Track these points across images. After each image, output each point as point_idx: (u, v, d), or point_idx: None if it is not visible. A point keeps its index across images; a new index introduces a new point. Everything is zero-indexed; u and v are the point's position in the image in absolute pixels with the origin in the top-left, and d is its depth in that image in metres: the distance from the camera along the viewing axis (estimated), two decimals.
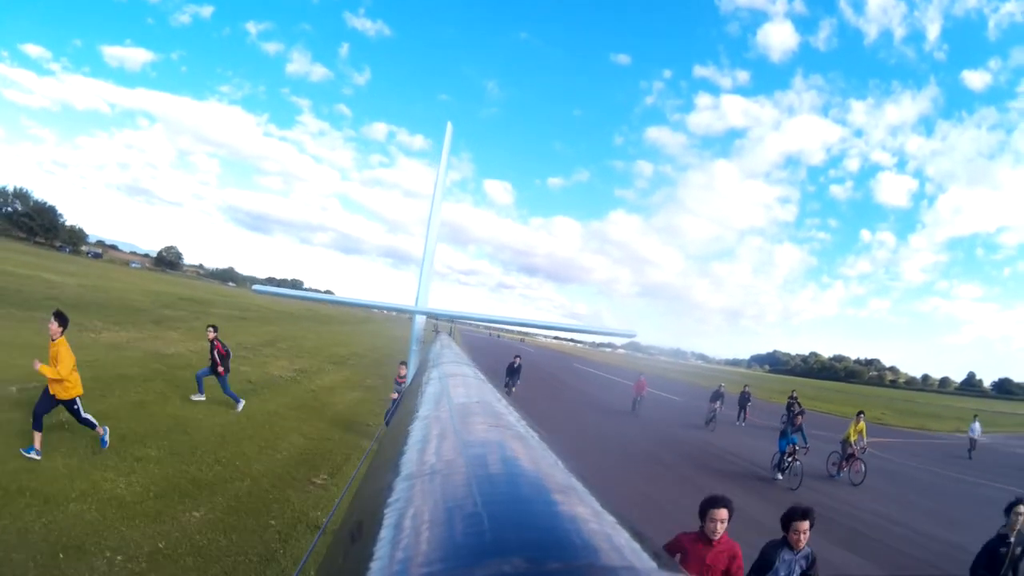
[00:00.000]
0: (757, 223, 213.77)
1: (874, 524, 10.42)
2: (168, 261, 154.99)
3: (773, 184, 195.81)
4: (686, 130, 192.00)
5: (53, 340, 7.18)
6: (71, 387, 7.32)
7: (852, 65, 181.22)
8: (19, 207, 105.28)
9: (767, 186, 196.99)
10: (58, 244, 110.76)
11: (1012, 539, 6.24)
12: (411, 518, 0.55)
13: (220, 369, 11.29)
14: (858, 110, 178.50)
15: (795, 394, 25.49)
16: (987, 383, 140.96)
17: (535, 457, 0.77)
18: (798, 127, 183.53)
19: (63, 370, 7.11)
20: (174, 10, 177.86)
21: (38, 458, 6.85)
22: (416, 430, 1.01)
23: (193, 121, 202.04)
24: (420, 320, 6.38)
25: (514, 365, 20.38)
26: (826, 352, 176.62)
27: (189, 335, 20.30)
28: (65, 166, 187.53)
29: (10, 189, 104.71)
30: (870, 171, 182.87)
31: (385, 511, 0.59)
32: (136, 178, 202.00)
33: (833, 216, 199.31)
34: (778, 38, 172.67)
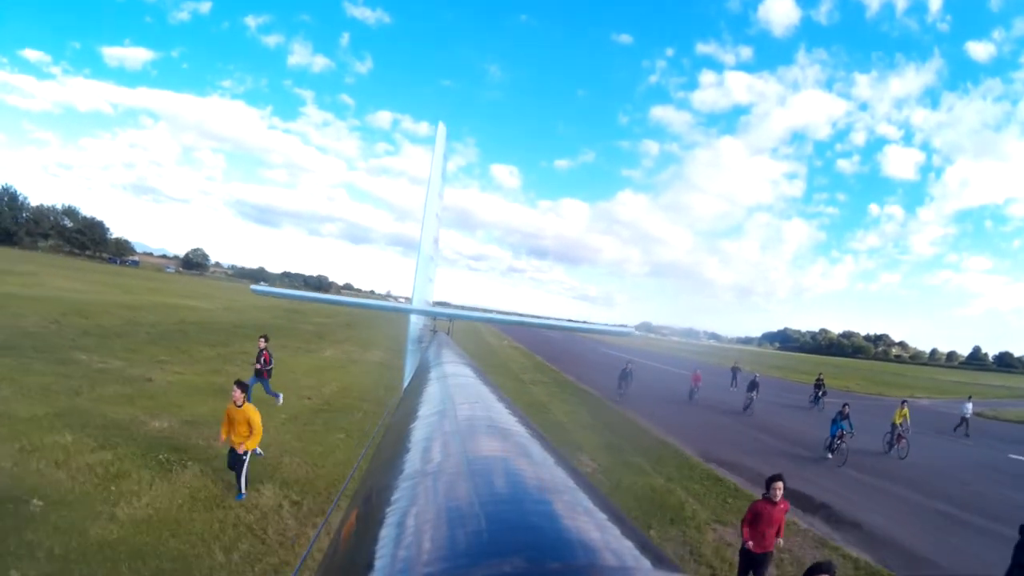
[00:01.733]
0: (765, 199, 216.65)
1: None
2: (195, 263, 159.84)
3: (780, 160, 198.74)
4: (691, 108, 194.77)
5: (239, 406, 7.71)
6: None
7: (855, 38, 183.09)
8: (69, 223, 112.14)
9: (774, 162, 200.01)
10: (107, 256, 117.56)
11: None
12: (411, 518, 0.56)
13: (265, 373, 13.03)
14: (863, 83, 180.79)
15: (821, 376, 29.70)
16: (992, 357, 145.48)
17: (536, 457, 0.78)
18: (803, 102, 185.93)
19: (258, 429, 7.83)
20: (172, 8, 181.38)
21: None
22: (416, 430, 1.02)
23: (196, 117, 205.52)
24: (417, 320, 6.48)
25: (626, 370, 23.19)
26: (836, 328, 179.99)
27: (357, 347, 26.70)
28: (70, 168, 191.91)
29: (59, 207, 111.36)
30: (876, 144, 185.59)
31: (385, 511, 0.60)
32: (142, 176, 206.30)
33: (841, 190, 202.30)
34: (780, 12, 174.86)
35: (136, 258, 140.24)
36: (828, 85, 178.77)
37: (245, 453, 7.77)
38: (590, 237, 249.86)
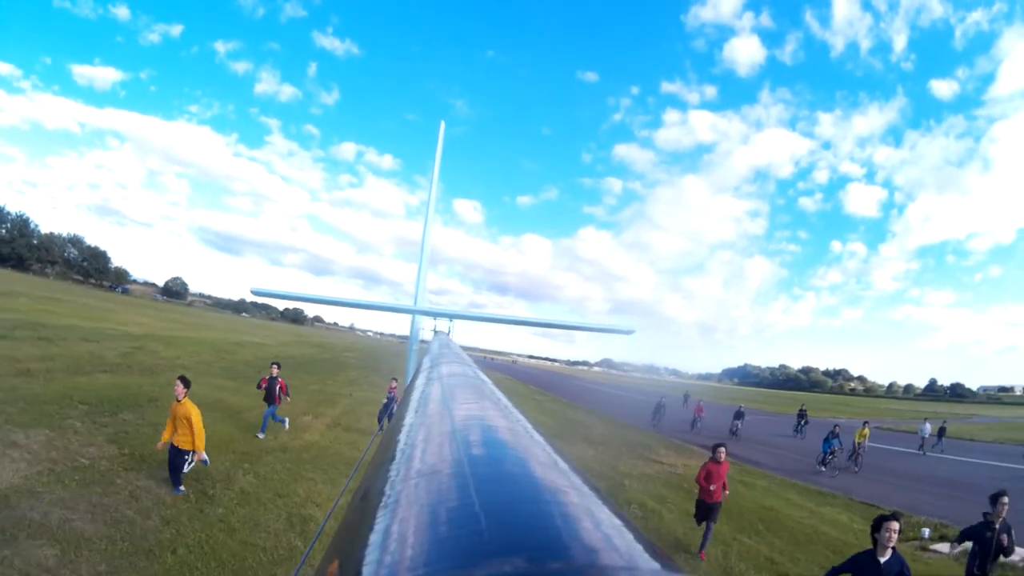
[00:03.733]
0: (727, 237, 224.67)
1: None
2: (175, 291, 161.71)
3: (742, 198, 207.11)
4: (654, 146, 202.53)
5: (180, 400, 8.21)
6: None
7: (819, 78, 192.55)
8: (75, 252, 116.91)
9: (736, 200, 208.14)
10: (107, 284, 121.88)
11: (997, 525, 7.20)
12: (411, 517, 0.56)
13: (277, 399, 13.60)
14: (826, 122, 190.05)
15: (804, 407, 32.74)
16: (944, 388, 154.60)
17: (536, 456, 0.77)
18: (766, 141, 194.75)
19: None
20: (143, 29, 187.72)
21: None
22: (415, 430, 1.02)
23: (162, 141, 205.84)
24: (419, 320, 6.64)
25: (660, 403, 28.63)
26: (797, 363, 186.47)
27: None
28: (35, 185, 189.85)
29: (65, 235, 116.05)
30: (839, 182, 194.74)
31: (385, 510, 0.60)
32: (106, 198, 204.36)
33: (803, 228, 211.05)
34: (745, 52, 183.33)
35: (128, 286, 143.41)
36: (791, 124, 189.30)
37: (189, 453, 8.27)
38: (552, 274, 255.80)
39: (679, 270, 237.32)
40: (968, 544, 7.70)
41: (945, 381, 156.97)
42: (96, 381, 15.30)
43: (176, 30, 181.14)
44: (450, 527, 0.50)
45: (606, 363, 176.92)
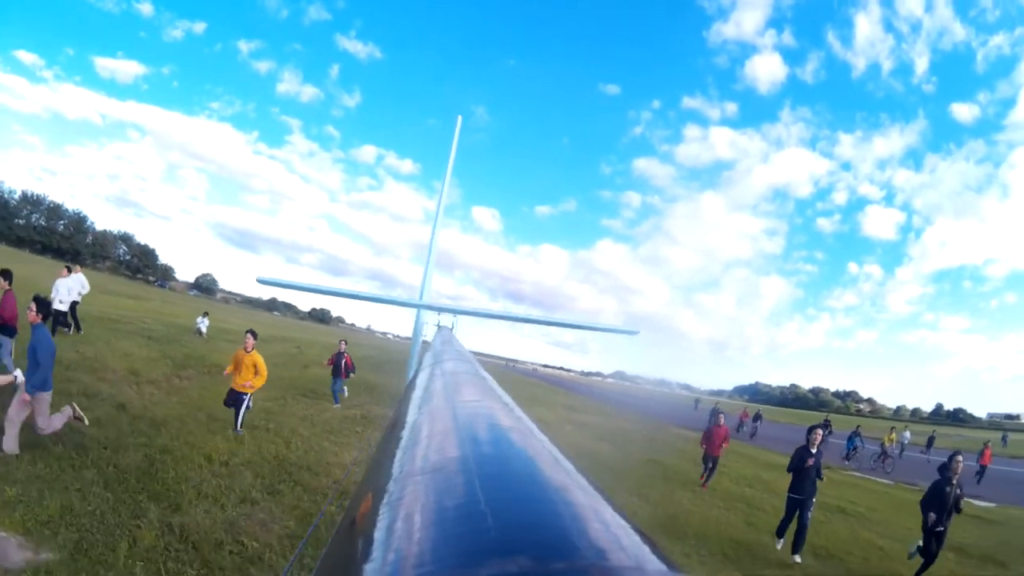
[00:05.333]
0: (744, 255, 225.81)
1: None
2: (206, 287, 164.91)
3: (760, 216, 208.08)
4: (674, 161, 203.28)
5: (248, 351, 10.40)
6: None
7: (840, 98, 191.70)
8: (125, 249, 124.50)
9: (754, 218, 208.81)
10: (153, 279, 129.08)
11: (955, 481, 8.47)
12: (414, 516, 0.55)
13: (344, 374, 15.40)
14: (846, 143, 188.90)
15: (828, 419, 36.90)
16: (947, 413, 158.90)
17: (539, 455, 0.77)
18: (785, 160, 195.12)
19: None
20: (167, 24, 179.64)
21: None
22: (418, 427, 1.01)
23: (183, 136, 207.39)
24: (424, 315, 6.64)
25: (716, 408, 32.10)
26: (808, 383, 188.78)
27: None
28: (54, 173, 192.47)
29: (116, 232, 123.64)
30: (857, 204, 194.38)
31: (387, 509, 0.60)
32: (125, 190, 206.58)
33: (820, 249, 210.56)
34: (766, 70, 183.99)
35: (165, 281, 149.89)
36: (811, 144, 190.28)
37: (247, 396, 10.27)
38: (567, 284, 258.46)
39: (694, 286, 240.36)
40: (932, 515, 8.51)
41: (953, 406, 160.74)
42: (312, 373, 21.37)
43: (199, 27, 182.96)
44: (453, 525, 0.50)
45: (619, 375, 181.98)
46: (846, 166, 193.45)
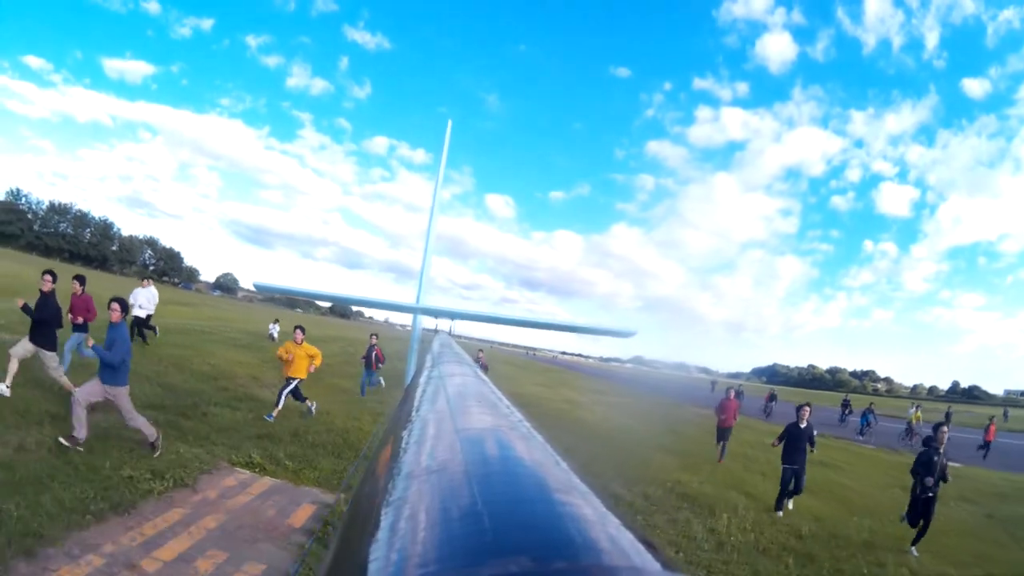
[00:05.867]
0: (759, 235, 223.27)
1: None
2: (227, 287, 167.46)
3: (774, 196, 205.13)
4: (687, 143, 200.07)
5: (299, 343, 11.55)
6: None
7: (851, 75, 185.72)
8: (150, 253, 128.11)
9: (768, 198, 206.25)
10: (177, 281, 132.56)
11: (941, 450, 9.14)
12: (414, 517, 0.56)
13: (375, 365, 16.26)
14: (858, 120, 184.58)
15: (848, 398, 38.13)
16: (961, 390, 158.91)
17: (538, 456, 0.78)
18: (798, 139, 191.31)
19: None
20: (174, 23, 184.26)
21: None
22: (417, 429, 1.02)
23: (193, 134, 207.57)
24: (420, 318, 6.64)
25: (772, 393, 36.38)
26: (825, 364, 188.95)
27: None
28: (66, 177, 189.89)
29: (141, 237, 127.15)
30: (871, 181, 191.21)
31: (387, 510, 0.60)
32: (137, 190, 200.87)
33: (835, 227, 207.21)
34: (776, 49, 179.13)
35: (190, 283, 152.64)
36: (823, 122, 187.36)
37: (293, 380, 11.31)
38: (583, 270, 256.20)
39: (710, 268, 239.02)
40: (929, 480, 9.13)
41: (969, 384, 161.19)
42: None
43: (207, 24, 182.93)
44: (452, 526, 0.51)
45: (637, 360, 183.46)
46: (859, 143, 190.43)
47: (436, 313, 6.34)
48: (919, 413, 27.76)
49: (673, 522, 8.81)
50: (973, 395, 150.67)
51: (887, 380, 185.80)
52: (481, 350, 25.21)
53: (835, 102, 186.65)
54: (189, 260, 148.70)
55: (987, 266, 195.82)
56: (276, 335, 26.61)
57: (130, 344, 7.81)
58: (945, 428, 9.38)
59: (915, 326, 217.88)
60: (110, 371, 7.46)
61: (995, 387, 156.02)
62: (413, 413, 1.21)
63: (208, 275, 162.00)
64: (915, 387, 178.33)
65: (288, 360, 11.63)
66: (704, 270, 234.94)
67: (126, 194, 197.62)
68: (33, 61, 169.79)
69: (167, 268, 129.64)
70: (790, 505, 10.85)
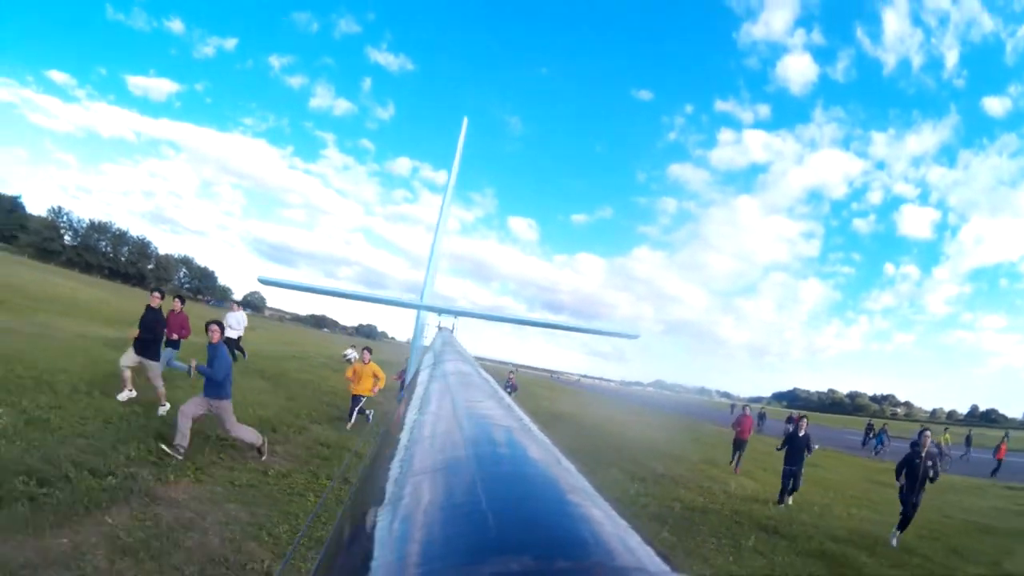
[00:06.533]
0: (781, 258, 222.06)
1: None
2: (255, 305, 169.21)
3: (796, 219, 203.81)
4: (709, 166, 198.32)
5: (366, 363, 12.71)
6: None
7: (872, 96, 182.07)
8: (185, 272, 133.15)
9: (790, 221, 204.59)
10: (208, 299, 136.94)
11: (923, 453, 9.64)
12: (415, 515, 0.56)
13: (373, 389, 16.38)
14: (879, 142, 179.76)
15: (871, 422, 40.59)
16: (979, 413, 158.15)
17: (540, 456, 0.77)
18: (820, 161, 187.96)
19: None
20: (198, 41, 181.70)
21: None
22: (418, 428, 1.01)
23: (217, 152, 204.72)
24: (424, 316, 6.52)
25: (762, 412, 40.06)
26: (846, 388, 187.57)
27: None
28: (89, 191, 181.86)
29: (176, 256, 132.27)
30: (893, 203, 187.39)
31: (388, 508, 0.60)
32: (160, 206, 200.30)
33: (857, 250, 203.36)
34: (797, 70, 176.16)
35: (220, 299, 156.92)
36: (845, 144, 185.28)
37: (361, 398, 12.67)
38: (605, 293, 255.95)
39: (732, 291, 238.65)
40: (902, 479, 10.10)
41: (988, 407, 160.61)
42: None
43: (230, 43, 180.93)
44: (454, 524, 0.50)
45: (658, 384, 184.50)
46: (880, 165, 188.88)
47: (440, 310, 6.16)
48: (947, 435, 30.04)
49: (700, 487, 13.16)
50: (991, 418, 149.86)
51: (907, 404, 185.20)
52: (512, 371, 26.53)
53: (856, 123, 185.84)
54: (222, 279, 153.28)
55: (1010, 287, 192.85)
56: (353, 359, 29.80)
57: (230, 362, 8.49)
58: (928, 434, 10.15)
59: (937, 349, 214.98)
60: (214, 386, 8.15)
61: (1016, 410, 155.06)
62: (414, 411, 1.20)
63: (240, 294, 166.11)
64: (934, 411, 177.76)
65: (355, 379, 12.95)
66: (726, 293, 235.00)
67: (149, 209, 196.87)
68: (57, 76, 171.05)
69: (201, 287, 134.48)
70: (790, 501, 12.68)
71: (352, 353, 30.29)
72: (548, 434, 0.96)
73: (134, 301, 51.54)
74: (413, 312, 7.31)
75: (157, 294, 10.42)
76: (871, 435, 37.34)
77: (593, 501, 0.58)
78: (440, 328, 6.06)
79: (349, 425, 12.55)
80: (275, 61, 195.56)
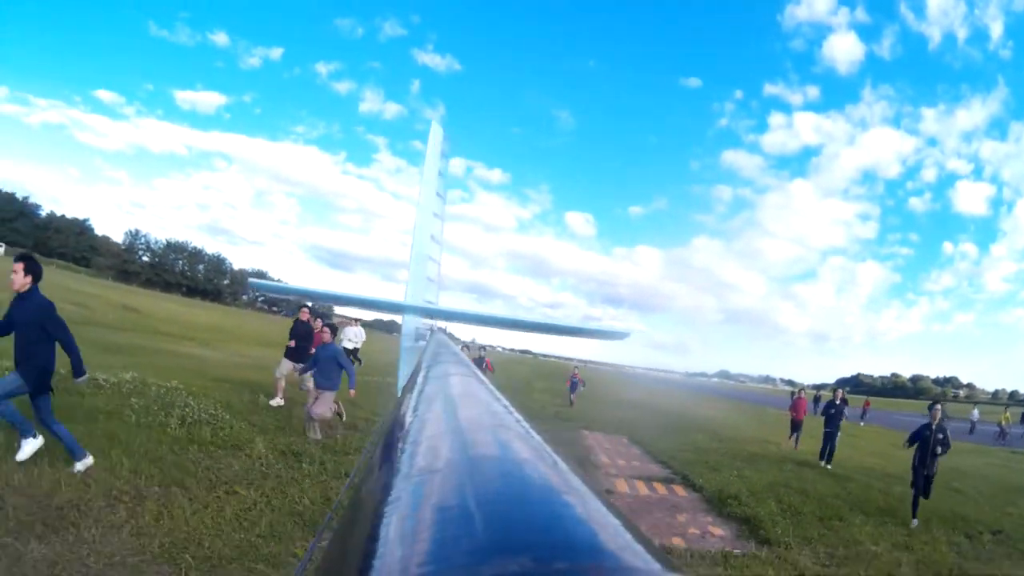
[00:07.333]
0: (838, 242, 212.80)
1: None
2: (321, 314, 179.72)
3: (851, 201, 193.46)
4: (761, 151, 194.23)
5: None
6: None
7: (919, 72, 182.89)
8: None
9: (845, 203, 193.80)
10: (280, 311, 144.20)
11: (934, 426, 9.82)
12: (414, 517, 0.56)
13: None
14: (929, 118, 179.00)
15: (933, 403, 46.64)
16: None
17: (537, 456, 0.77)
18: (871, 140, 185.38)
19: None
20: (243, 53, 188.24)
21: None
22: (416, 429, 1.01)
23: (269, 162, 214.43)
24: (411, 320, 6.60)
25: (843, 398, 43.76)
26: (909, 371, 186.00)
27: None
28: (143, 207, 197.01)
29: (249, 270, 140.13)
30: (947, 180, 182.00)
31: (386, 510, 0.60)
32: (215, 218, 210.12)
33: (914, 230, 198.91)
34: (843, 50, 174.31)
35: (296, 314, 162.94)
36: (895, 122, 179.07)
37: None
38: (664, 284, 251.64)
39: (790, 277, 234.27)
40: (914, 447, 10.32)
41: None
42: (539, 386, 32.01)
43: (276, 53, 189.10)
44: (452, 526, 0.50)
45: (722, 374, 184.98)
46: (931, 141, 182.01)
47: (424, 311, 6.12)
48: (1008, 415, 32.19)
49: (760, 446, 17.24)
50: None
51: (969, 386, 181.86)
52: (576, 368, 27.57)
53: (905, 100, 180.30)
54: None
55: None
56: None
57: (348, 358, 9.51)
58: (938, 407, 10.34)
59: (997, 328, 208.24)
60: (325, 378, 9.28)
61: None
62: (411, 413, 1.19)
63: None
64: (996, 392, 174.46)
65: None
66: (785, 279, 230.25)
67: (205, 222, 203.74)
68: (105, 95, 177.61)
69: (274, 300, 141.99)
70: (829, 466, 14.46)
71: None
72: (545, 434, 0.94)
73: (239, 319, 57.04)
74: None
75: (306, 309, 12.37)
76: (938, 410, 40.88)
77: (591, 502, 0.59)
78: (433, 330, 6.18)
79: None
80: (322, 68, 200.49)
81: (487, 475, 0.67)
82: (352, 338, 18.85)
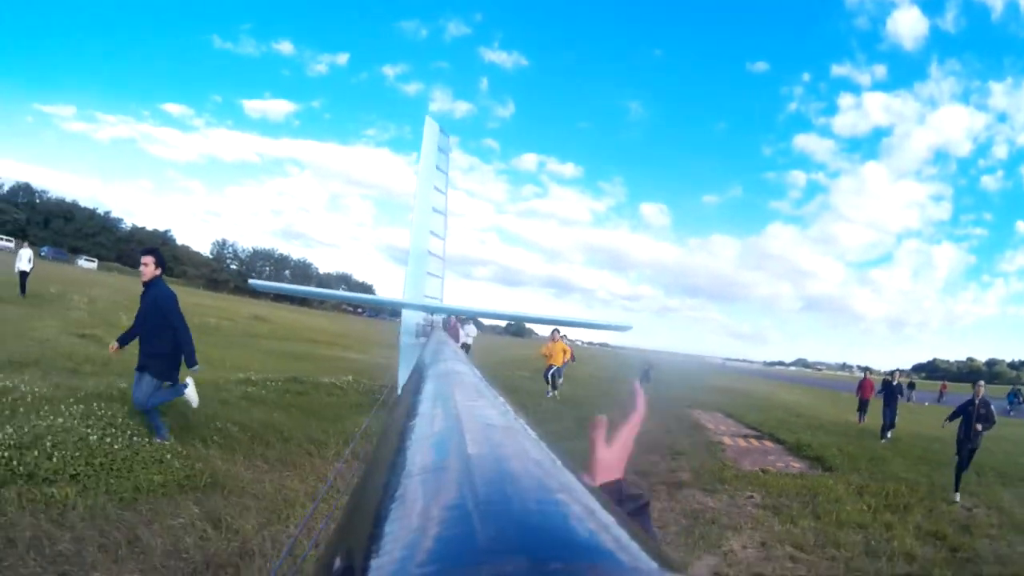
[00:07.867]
0: (912, 224, 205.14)
1: None
2: (396, 312, 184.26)
3: (924, 182, 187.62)
4: (832, 134, 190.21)
5: (555, 341, 16.50)
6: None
7: (984, 45, 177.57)
8: (344, 287, 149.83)
9: (918, 184, 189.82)
10: (361, 311, 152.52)
11: (976, 401, 10.50)
12: (412, 516, 0.54)
13: (561, 362, 18.22)
14: (998, 92, 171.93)
15: (1015, 388, 42.37)
16: None
17: (536, 456, 0.74)
18: (941, 118, 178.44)
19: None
20: (309, 61, 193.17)
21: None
22: (415, 428, 0.96)
23: (341, 166, 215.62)
24: (411, 316, 6.33)
25: (910, 383, 44.78)
26: (984, 356, 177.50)
27: None
28: (219, 215, 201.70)
29: (335, 274, 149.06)
30: (1019, 156, 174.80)
31: (385, 508, 0.58)
32: (290, 223, 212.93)
33: (987, 209, 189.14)
34: (907, 25, 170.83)
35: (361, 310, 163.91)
36: (964, 98, 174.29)
37: (553, 368, 16.20)
38: (741, 273, 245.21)
39: (866, 262, 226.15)
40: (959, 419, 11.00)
41: None
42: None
43: (342, 59, 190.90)
44: (450, 525, 0.48)
45: (800, 362, 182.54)
46: (1001, 117, 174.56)
47: (423, 308, 5.82)
48: None
49: (830, 421, 19.95)
50: None
51: None
52: (648, 365, 30.65)
53: (973, 75, 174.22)
54: (380, 292, 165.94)
55: None
56: None
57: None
58: (981, 382, 11.18)
59: None
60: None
61: None
62: (410, 412, 1.13)
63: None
64: None
65: (549, 354, 16.75)
66: (861, 265, 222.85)
67: (280, 227, 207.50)
68: (173, 108, 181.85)
69: (357, 303, 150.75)
70: (888, 436, 16.05)
71: None
72: (543, 433, 0.91)
73: (343, 324, 62.63)
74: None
75: (452, 319, 13.55)
76: (1020, 399, 39.30)
77: (590, 502, 0.57)
78: (433, 327, 5.93)
79: (555, 392, 16.55)
80: (389, 71, 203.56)
81: (487, 475, 0.63)
82: (469, 333, 21.56)
